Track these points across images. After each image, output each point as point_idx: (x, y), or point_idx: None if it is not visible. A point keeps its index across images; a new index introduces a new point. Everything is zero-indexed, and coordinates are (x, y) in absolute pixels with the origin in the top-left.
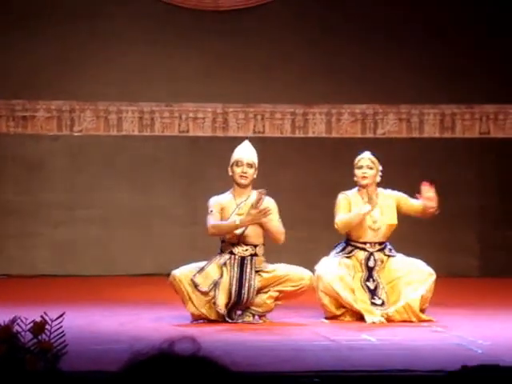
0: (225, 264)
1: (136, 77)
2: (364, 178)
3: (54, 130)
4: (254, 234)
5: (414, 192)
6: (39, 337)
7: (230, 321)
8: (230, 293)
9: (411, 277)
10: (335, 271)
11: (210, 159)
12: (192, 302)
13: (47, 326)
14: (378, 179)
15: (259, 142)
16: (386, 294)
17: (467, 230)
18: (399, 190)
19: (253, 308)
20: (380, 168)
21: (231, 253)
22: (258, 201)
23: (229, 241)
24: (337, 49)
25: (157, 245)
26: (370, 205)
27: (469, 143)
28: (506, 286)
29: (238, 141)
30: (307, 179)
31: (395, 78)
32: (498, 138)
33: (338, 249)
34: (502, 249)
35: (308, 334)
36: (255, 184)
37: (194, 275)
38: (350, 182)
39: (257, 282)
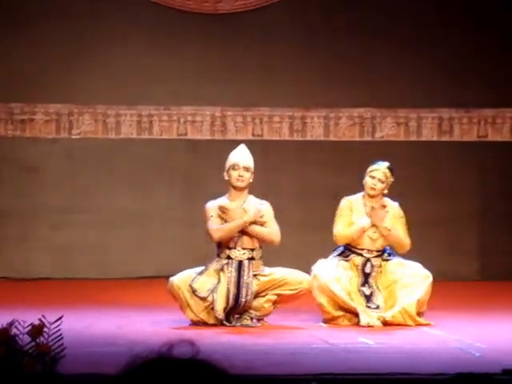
0: (222, 269)
1: (134, 80)
2: (373, 189)
3: (52, 133)
4: (251, 237)
5: (413, 194)
6: (37, 340)
7: (228, 324)
8: (227, 297)
9: (407, 280)
10: (332, 272)
11: (208, 162)
12: (190, 308)
13: (45, 329)
14: (386, 191)
15: (257, 146)
16: (383, 298)
17: (466, 233)
18: (398, 193)
19: (251, 311)
20: (391, 180)
21: (228, 257)
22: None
23: (226, 245)
24: (335, 52)
25: (155, 248)
26: (373, 218)
27: (467, 147)
28: (506, 290)
29: (236, 144)
30: (305, 182)
31: (393, 81)
32: (496, 141)
33: (336, 252)
34: (502, 253)
35: (306, 338)
36: (252, 187)
37: (192, 280)
38: (348, 186)
39: (254, 285)
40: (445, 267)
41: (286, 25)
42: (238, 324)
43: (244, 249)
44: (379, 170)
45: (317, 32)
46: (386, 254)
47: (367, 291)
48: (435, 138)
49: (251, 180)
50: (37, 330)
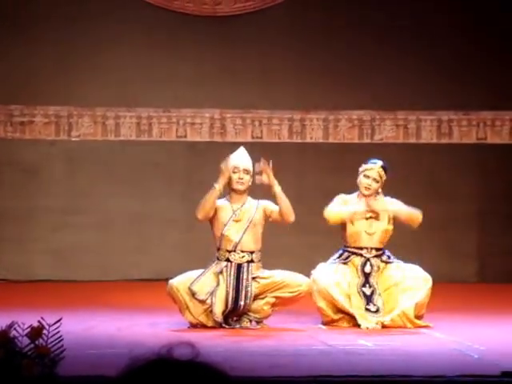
0: (221, 272)
1: (134, 82)
2: (367, 189)
3: (51, 135)
4: (250, 240)
5: (412, 196)
6: (36, 342)
7: (227, 327)
8: (226, 300)
9: (407, 283)
10: (331, 276)
11: (207, 164)
12: (189, 311)
13: (44, 331)
14: (380, 190)
15: (257, 148)
16: (382, 300)
17: (465, 235)
18: (397, 196)
19: (250, 314)
20: (385, 178)
21: (228, 260)
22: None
23: (225, 248)
24: (334, 55)
25: (154, 250)
26: (371, 204)
27: (466, 149)
28: (504, 292)
29: (235, 146)
30: (305, 185)
31: (392, 84)
32: (495, 143)
33: (336, 255)
34: (501, 254)
35: (305, 340)
36: (251, 190)
37: (192, 283)
38: (347, 188)
39: (254, 288)
40: (444, 269)
41: (285, 27)
42: (238, 326)
43: (243, 252)
44: (374, 170)
45: (316, 34)
46: (385, 256)
47: (368, 291)
48: (434, 141)
49: (250, 183)
50: (36, 332)
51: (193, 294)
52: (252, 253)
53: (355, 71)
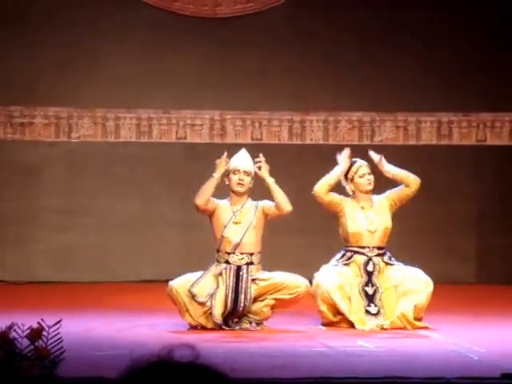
0: (221, 274)
1: (134, 84)
2: (370, 184)
3: (51, 136)
4: (250, 242)
5: (411, 197)
6: (36, 343)
7: (227, 328)
8: (226, 303)
9: (407, 286)
10: (334, 280)
11: (207, 166)
12: (189, 313)
13: (44, 333)
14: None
15: (257, 149)
16: (383, 300)
17: (464, 236)
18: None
19: (250, 316)
20: None
21: (227, 262)
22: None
23: (224, 249)
24: (334, 56)
25: (155, 251)
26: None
27: (466, 151)
28: (503, 293)
29: (235, 147)
30: (304, 186)
31: (392, 85)
32: (494, 145)
33: (338, 256)
34: (499, 256)
35: (305, 341)
36: (251, 191)
37: (191, 286)
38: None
39: (253, 290)
40: (442, 270)
41: (285, 28)
42: (238, 327)
43: (243, 254)
44: (363, 166)
45: (316, 36)
46: (387, 257)
47: (370, 291)
48: (434, 142)
49: (251, 185)
50: (36, 334)
51: (193, 297)
52: (252, 255)
53: (355, 73)
